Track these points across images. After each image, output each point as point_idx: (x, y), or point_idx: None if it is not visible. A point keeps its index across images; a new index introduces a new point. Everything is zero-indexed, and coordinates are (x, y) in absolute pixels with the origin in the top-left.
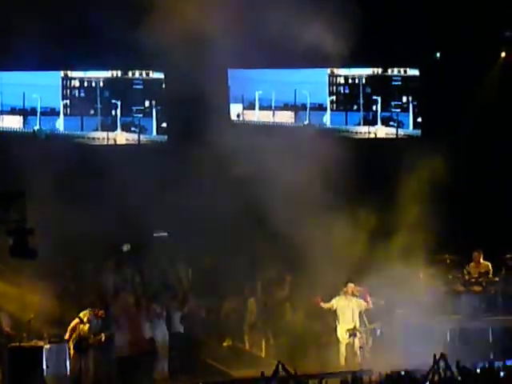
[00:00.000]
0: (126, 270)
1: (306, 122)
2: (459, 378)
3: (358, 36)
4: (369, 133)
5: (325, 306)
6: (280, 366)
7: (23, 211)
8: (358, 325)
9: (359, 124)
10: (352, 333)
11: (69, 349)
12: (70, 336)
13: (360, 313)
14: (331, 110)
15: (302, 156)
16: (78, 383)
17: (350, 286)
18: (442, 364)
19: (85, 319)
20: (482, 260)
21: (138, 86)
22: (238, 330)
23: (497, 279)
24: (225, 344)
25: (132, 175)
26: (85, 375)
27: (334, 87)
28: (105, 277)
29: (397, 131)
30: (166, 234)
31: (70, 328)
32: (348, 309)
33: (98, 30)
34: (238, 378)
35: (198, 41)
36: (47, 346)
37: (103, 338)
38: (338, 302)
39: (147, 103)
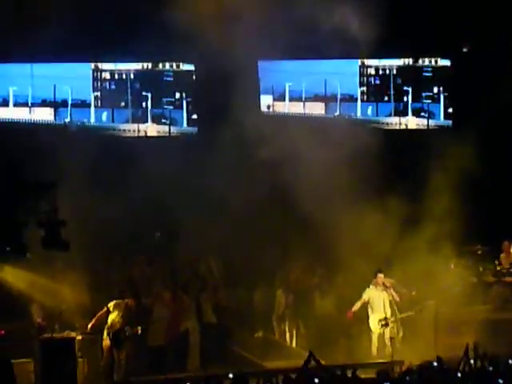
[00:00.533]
0: (157, 261)
1: (337, 113)
2: (490, 369)
3: (389, 26)
4: (400, 124)
5: (357, 307)
6: (311, 357)
7: (54, 202)
8: (389, 315)
9: (390, 115)
10: (384, 323)
11: (101, 339)
12: (95, 325)
13: (391, 303)
14: (362, 100)
15: (334, 147)
16: (110, 374)
17: (380, 276)
18: (472, 354)
19: (111, 309)
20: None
21: (168, 78)
22: (268, 321)
23: None
24: (256, 335)
25: (163, 167)
26: (118, 366)
27: (365, 78)
28: (137, 268)
29: (428, 122)
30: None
31: (96, 317)
32: (379, 299)
33: (129, 21)
34: (269, 369)
35: (229, 32)
36: (79, 337)
37: (139, 331)
38: (369, 294)
39: (177, 95)
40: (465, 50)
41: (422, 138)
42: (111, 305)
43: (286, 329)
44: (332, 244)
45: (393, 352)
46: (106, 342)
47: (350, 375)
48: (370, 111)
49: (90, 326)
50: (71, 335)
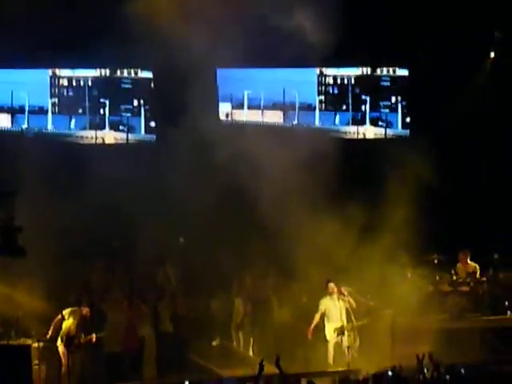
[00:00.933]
0: (114, 268)
1: (295, 122)
2: (447, 378)
3: (347, 36)
4: (357, 133)
5: (316, 321)
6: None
7: (11, 209)
8: (345, 323)
9: (348, 124)
10: (340, 332)
11: (57, 346)
12: (52, 333)
13: (347, 311)
14: (320, 109)
15: (291, 155)
16: (65, 381)
17: (330, 285)
18: (427, 364)
19: (66, 316)
20: (468, 261)
21: (126, 85)
22: (226, 329)
23: (484, 279)
24: (213, 343)
25: (120, 174)
26: (73, 373)
27: (323, 87)
28: (94, 274)
29: (385, 131)
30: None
31: (52, 325)
32: (335, 308)
33: (86, 28)
34: (226, 377)
35: (187, 40)
36: (35, 345)
37: (94, 339)
38: (325, 304)
39: (136, 102)
40: (422, 58)
41: (380, 147)
42: (66, 312)
43: (244, 337)
44: (289, 251)
45: (349, 361)
46: (61, 348)
47: None
48: (327, 120)
49: (48, 335)
50: (27, 342)
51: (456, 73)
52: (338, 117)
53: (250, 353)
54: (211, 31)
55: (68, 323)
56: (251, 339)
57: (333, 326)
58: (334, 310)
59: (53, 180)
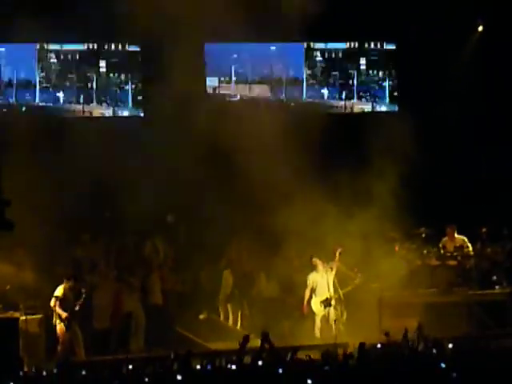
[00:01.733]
0: (100, 242)
1: (283, 96)
2: (434, 351)
3: (334, 10)
4: (345, 107)
5: (307, 296)
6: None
7: None
8: (332, 295)
9: (335, 98)
10: (326, 303)
11: (55, 324)
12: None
13: (334, 284)
14: (308, 84)
15: (278, 129)
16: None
17: (314, 260)
18: (414, 337)
19: (61, 296)
20: (456, 235)
21: (114, 59)
22: (213, 303)
23: (472, 253)
24: (201, 316)
25: (107, 148)
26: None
27: (311, 61)
28: (80, 247)
29: (373, 106)
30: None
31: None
32: (323, 281)
33: (74, 1)
34: (213, 350)
35: (174, 14)
36: (23, 318)
37: (77, 307)
38: (313, 278)
39: (123, 76)
40: (410, 32)
41: (367, 121)
42: (59, 293)
43: (231, 310)
44: (276, 224)
45: (336, 334)
46: (61, 326)
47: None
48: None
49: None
50: (15, 315)
51: (444, 46)
52: (325, 91)
53: (238, 326)
54: (199, 5)
55: (53, 300)
56: (239, 312)
57: (319, 298)
58: (321, 284)
59: (40, 153)
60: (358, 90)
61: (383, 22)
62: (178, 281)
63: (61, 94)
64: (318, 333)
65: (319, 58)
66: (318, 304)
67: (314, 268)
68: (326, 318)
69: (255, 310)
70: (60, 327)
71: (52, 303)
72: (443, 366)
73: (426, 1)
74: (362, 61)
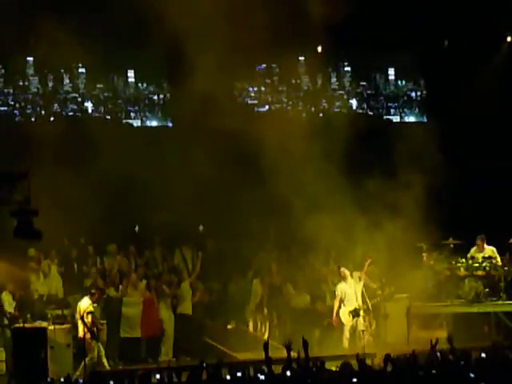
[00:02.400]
0: (130, 251)
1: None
2: (462, 362)
3: (364, 19)
4: (373, 117)
5: (336, 307)
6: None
7: (27, 192)
8: (360, 305)
9: (363, 109)
10: (355, 313)
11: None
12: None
13: (363, 294)
14: (336, 94)
15: (307, 141)
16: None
17: (342, 270)
18: (442, 348)
19: (87, 307)
20: (485, 245)
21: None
22: (241, 313)
23: (500, 264)
24: (229, 326)
25: (135, 158)
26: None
27: (339, 72)
28: (109, 259)
29: (401, 116)
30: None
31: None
32: (351, 291)
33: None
34: (241, 360)
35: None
36: (51, 328)
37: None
38: (341, 289)
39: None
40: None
41: (396, 132)
42: (88, 307)
43: (260, 320)
44: (303, 234)
45: (365, 345)
46: (87, 336)
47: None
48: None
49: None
50: (43, 325)
51: (472, 57)
52: (354, 101)
53: (266, 336)
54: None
55: (91, 317)
56: (267, 322)
57: (348, 309)
58: (350, 294)
59: (68, 164)
60: (387, 100)
61: (412, 32)
62: (206, 290)
63: (89, 104)
64: (346, 343)
65: (347, 68)
66: (346, 314)
67: (342, 278)
68: (354, 329)
69: (284, 320)
70: (86, 337)
71: (77, 314)
72: (472, 376)
73: (455, 12)
74: (391, 71)
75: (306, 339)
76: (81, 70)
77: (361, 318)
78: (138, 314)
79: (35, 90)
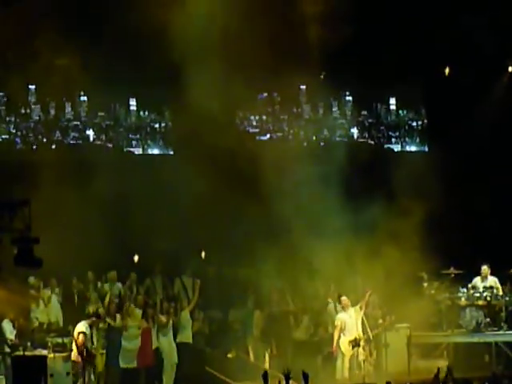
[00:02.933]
0: (130, 280)
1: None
2: None
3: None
4: (374, 146)
5: (337, 337)
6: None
7: (28, 220)
8: (360, 335)
9: (365, 137)
10: (355, 343)
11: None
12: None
13: (363, 322)
14: (337, 123)
15: (307, 168)
16: None
17: (343, 299)
18: (444, 377)
19: (82, 329)
20: (489, 275)
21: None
22: (242, 342)
23: (501, 294)
24: (229, 355)
25: (135, 186)
26: None
27: (340, 101)
28: (108, 287)
29: (402, 145)
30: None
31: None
32: (350, 320)
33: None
34: None
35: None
36: (51, 356)
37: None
38: (341, 318)
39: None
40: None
41: (397, 161)
42: (81, 327)
43: (261, 350)
44: (303, 263)
45: (365, 375)
46: (78, 359)
47: None
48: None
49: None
50: (43, 353)
51: (474, 87)
52: (355, 130)
53: (267, 366)
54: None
55: (82, 337)
56: (267, 352)
57: (348, 338)
58: (349, 323)
59: (69, 191)
60: (388, 129)
61: (413, 61)
62: (206, 319)
63: (90, 132)
64: (346, 373)
65: (349, 98)
66: (346, 344)
67: (342, 307)
68: (354, 358)
69: (284, 349)
70: (78, 360)
71: (74, 338)
72: None
73: (457, 41)
74: (392, 100)
75: (306, 372)
76: (82, 98)
77: (361, 348)
78: (137, 346)
79: (37, 117)
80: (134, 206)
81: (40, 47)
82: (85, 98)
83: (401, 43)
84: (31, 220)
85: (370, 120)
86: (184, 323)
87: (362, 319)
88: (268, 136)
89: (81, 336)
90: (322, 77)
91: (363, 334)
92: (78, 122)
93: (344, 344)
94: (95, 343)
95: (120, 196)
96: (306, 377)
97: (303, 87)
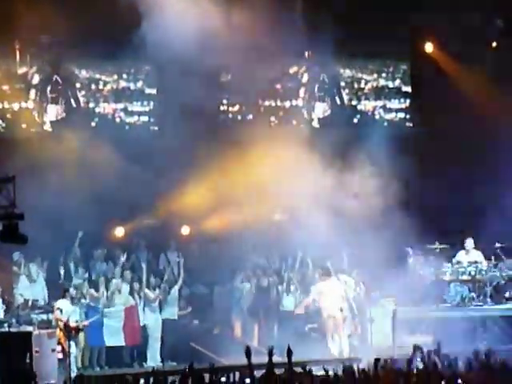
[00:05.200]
0: (116, 256)
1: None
2: (447, 367)
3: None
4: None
5: (306, 303)
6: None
7: (12, 196)
8: (342, 309)
9: None
10: (338, 314)
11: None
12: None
13: (348, 299)
14: None
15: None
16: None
17: (327, 270)
18: (422, 353)
19: (64, 306)
20: (472, 249)
21: None
22: (228, 317)
23: (486, 268)
24: (215, 331)
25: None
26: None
27: None
28: (93, 264)
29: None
30: None
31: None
32: (334, 291)
33: None
34: (226, 365)
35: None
36: (36, 332)
37: (81, 326)
38: (323, 288)
39: None
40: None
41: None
42: (58, 304)
43: (247, 324)
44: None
45: (350, 349)
46: (60, 335)
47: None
48: None
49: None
50: (28, 330)
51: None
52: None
53: (255, 341)
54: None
55: (58, 312)
56: (255, 327)
57: (329, 311)
58: (332, 294)
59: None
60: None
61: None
62: (193, 294)
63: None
64: (332, 348)
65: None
66: (331, 313)
67: (326, 278)
68: (339, 333)
69: (271, 324)
70: (64, 339)
71: (54, 315)
72: (460, 382)
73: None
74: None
75: (290, 348)
76: None
77: (346, 322)
78: (121, 323)
79: None
80: (122, 180)
81: None
82: None
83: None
84: (15, 196)
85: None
86: (171, 300)
87: (348, 297)
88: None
89: (57, 312)
90: None
91: (349, 308)
92: None
93: (323, 317)
94: (77, 318)
95: (108, 169)
96: (289, 353)
97: None
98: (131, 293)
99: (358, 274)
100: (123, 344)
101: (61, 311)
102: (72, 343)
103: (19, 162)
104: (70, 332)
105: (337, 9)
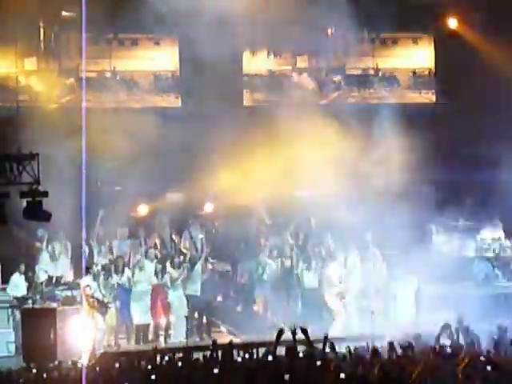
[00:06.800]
0: (139, 235)
1: None
2: (472, 343)
3: None
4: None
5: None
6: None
7: (36, 173)
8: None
9: None
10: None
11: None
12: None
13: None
14: None
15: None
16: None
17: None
18: (449, 331)
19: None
20: (496, 225)
21: None
22: (251, 294)
23: (509, 245)
24: (238, 308)
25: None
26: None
27: None
28: (117, 243)
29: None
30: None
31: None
32: (357, 271)
33: None
34: (250, 342)
35: None
36: (60, 309)
37: (108, 303)
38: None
39: None
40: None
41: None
42: (86, 281)
43: (270, 301)
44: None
45: (374, 326)
46: (89, 311)
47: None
48: None
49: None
50: (52, 306)
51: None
52: None
53: (276, 318)
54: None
55: (88, 290)
56: (278, 304)
57: (355, 288)
58: (356, 274)
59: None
60: None
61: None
62: (216, 271)
63: None
64: (354, 324)
65: None
66: (353, 294)
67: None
68: (363, 310)
69: (295, 301)
70: (93, 315)
71: (83, 292)
72: (482, 359)
73: None
74: None
75: (305, 328)
76: None
77: (370, 300)
78: (147, 302)
79: None
80: (144, 158)
81: None
82: None
83: None
84: (40, 174)
85: None
86: (195, 277)
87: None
88: None
89: (87, 289)
90: None
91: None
92: None
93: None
94: (107, 295)
95: (128, 148)
96: (305, 332)
97: None
98: (155, 271)
99: (381, 251)
100: (150, 322)
101: (90, 288)
102: (100, 319)
103: (46, 136)
104: (102, 307)
105: None
